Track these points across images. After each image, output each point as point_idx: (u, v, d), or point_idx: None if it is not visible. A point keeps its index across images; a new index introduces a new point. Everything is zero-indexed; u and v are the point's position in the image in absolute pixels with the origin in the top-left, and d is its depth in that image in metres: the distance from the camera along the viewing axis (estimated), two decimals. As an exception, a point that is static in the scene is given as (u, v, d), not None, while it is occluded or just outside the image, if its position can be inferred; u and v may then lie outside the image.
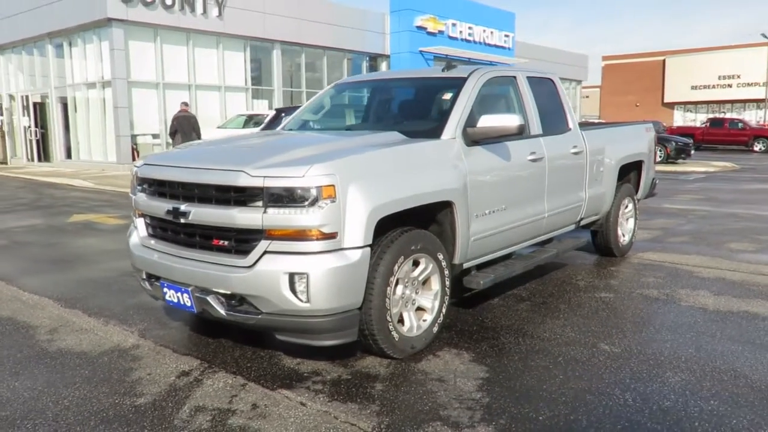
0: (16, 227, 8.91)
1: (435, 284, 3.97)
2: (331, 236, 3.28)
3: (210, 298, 3.50)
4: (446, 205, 3.99)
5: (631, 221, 6.72)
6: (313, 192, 3.24)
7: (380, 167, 3.54)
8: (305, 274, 3.24)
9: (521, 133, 4.23)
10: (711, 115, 46.14)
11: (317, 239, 3.26)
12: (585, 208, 5.69)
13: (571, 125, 5.52)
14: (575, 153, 5.41)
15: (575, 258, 6.53)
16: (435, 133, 4.15)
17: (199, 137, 15.19)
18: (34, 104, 21.04)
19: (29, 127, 21.14)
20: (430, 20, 24.56)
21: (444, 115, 4.29)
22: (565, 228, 5.58)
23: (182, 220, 3.58)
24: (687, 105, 58.41)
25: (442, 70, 4.83)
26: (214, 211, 3.45)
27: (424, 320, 3.93)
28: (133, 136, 17.79)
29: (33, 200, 12.36)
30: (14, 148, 22.16)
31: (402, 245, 3.64)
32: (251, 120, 17.88)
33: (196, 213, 3.51)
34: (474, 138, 4.21)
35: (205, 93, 19.16)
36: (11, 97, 21.84)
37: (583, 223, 5.88)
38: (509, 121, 4.17)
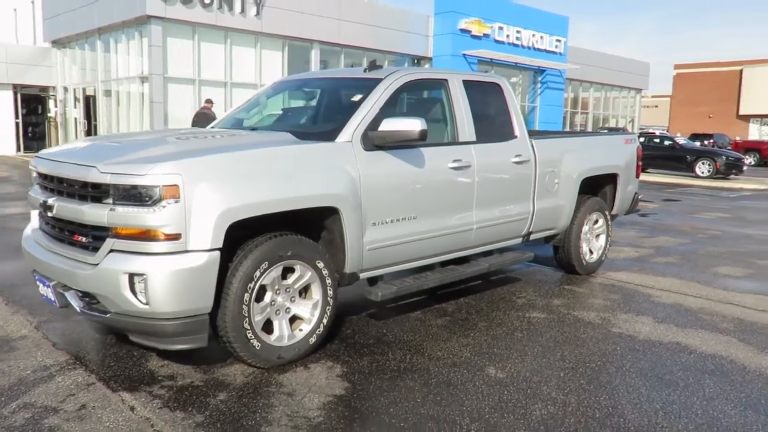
0: (21, 213, 9.26)
1: (316, 293, 3.80)
2: (174, 237, 3.17)
3: (69, 295, 3.46)
4: (333, 212, 3.82)
5: (602, 238, 6.30)
6: (156, 191, 3.15)
7: (238, 169, 3.40)
8: (144, 275, 3.15)
9: (423, 138, 3.99)
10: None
11: (159, 240, 3.17)
12: (533, 221, 5.36)
13: (517, 133, 5.21)
14: (518, 162, 5.10)
15: (534, 274, 6.18)
16: (330, 135, 3.98)
17: None
18: (85, 97, 21.97)
19: (78, 118, 22.09)
20: (475, 23, 24.11)
21: (346, 118, 4.11)
22: (507, 241, 5.28)
23: (50, 214, 3.57)
24: (765, 118, 55.19)
25: (364, 71, 4.64)
26: (69, 206, 3.42)
27: (300, 330, 3.77)
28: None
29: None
30: (66, 138, 23.21)
31: (267, 251, 3.49)
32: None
33: (58, 207, 3.49)
34: (374, 142, 4.02)
35: (242, 91, 19.45)
36: (65, 90, 22.89)
37: (533, 237, 5.55)
38: (410, 125, 3.95)
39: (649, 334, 4.44)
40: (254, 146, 3.65)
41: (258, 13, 19.02)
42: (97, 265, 3.27)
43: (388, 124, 3.99)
